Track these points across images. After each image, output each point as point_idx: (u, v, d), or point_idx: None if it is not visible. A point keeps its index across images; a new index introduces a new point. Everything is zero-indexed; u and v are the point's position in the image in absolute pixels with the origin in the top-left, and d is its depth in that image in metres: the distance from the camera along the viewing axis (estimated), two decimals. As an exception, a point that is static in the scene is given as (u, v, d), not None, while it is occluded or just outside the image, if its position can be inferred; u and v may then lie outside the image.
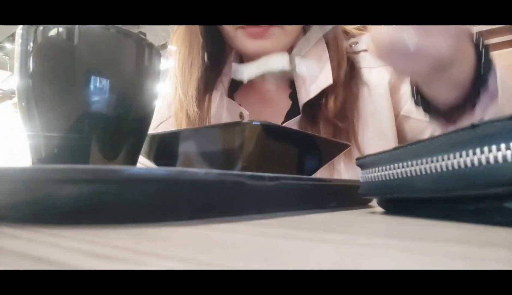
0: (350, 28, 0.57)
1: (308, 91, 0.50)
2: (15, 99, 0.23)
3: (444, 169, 0.17)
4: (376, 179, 0.22)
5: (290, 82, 0.56)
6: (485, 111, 0.33)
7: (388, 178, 0.21)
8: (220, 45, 0.57)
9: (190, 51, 0.54)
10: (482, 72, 0.34)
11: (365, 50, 0.53)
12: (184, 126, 0.54)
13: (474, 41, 0.35)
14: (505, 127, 0.14)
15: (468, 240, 0.13)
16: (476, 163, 0.15)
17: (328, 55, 0.51)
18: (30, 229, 0.14)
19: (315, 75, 0.51)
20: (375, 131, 0.50)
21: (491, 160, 0.15)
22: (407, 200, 0.22)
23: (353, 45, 0.54)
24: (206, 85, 0.55)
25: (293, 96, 0.54)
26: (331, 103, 0.49)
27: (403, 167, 0.20)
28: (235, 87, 0.59)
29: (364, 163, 0.24)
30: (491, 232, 0.14)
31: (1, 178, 0.15)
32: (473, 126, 0.15)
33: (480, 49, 0.34)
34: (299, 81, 0.52)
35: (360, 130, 0.50)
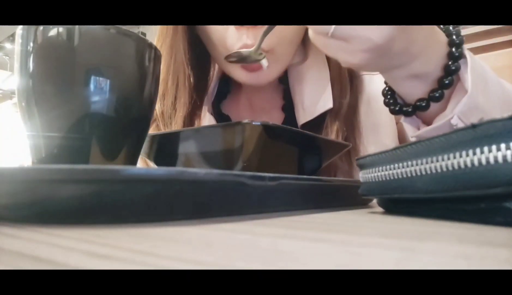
0: None
1: (305, 112, 0.48)
2: (15, 99, 0.23)
3: (444, 169, 0.17)
4: (376, 179, 0.22)
5: (282, 93, 0.53)
6: (458, 106, 0.32)
7: (388, 178, 0.21)
8: (205, 61, 0.52)
9: (173, 82, 0.48)
10: (450, 63, 0.32)
11: None
12: None
13: (447, 33, 0.34)
14: (505, 127, 0.14)
15: (468, 240, 0.13)
16: (476, 163, 0.15)
17: (328, 73, 0.49)
18: (30, 229, 0.14)
19: (314, 93, 0.48)
20: (378, 145, 0.48)
21: (491, 160, 0.15)
22: (407, 200, 0.22)
23: None
24: (193, 116, 0.51)
25: (286, 109, 0.52)
26: (333, 128, 0.46)
27: (403, 167, 0.20)
28: (222, 97, 0.55)
29: (364, 163, 0.24)
30: (491, 232, 0.14)
31: (1, 178, 0.15)
32: (473, 126, 0.15)
33: (454, 42, 0.33)
34: (296, 97, 0.49)
35: (362, 146, 0.48)
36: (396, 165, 0.20)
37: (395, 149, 0.21)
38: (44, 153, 0.23)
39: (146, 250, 0.11)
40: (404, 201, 0.22)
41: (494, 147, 0.14)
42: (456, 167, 0.16)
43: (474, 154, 0.15)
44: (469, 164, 0.15)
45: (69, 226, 0.14)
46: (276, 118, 0.53)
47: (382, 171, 0.21)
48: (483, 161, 0.15)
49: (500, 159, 0.14)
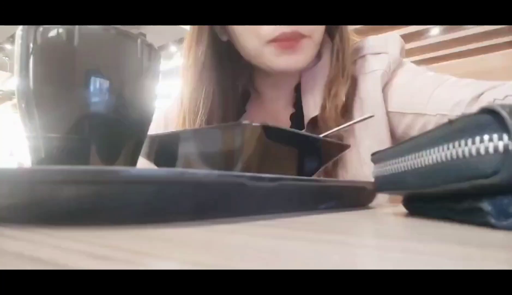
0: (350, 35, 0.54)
1: (313, 109, 0.49)
2: (15, 100, 0.23)
3: (427, 163, 0.17)
4: (383, 173, 0.23)
5: (294, 100, 0.53)
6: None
7: (389, 173, 0.22)
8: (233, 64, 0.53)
9: (198, 87, 0.50)
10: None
11: (363, 56, 0.51)
12: None
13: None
14: (472, 123, 0.15)
15: (468, 241, 0.13)
16: (449, 157, 0.16)
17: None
18: (30, 230, 0.14)
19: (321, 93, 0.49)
20: (372, 140, 0.48)
21: (460, 154, 0.15)
22: (412, 198, 0.23)
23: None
24: (215, 113, 0.52)
25: (293, 117, 0.53)
26: (330, 123, 0.47)
27: (398, 162, 0.21)
28: (245, 98, 0.57)
29: (374, 158, 0.25)
30: (491, 233, 0.14)
31: (1, 179, 0.15)
32: (450, 122, 0.16)
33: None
34: (307, 97, 0.50)
35: (355, 140, 0.48)
36: (394, 160, 0.21)
37: (398, 144, 0.21)
38: (43, 154, 0.23)
39: (146, 251, 0.11)
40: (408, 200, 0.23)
41: (462, 142, 0.15)
42: (435, 160, 0.17)
43: (448, 148, 0.16)
44: (444, 158, 0.16)
45: (69, 227, 0.14)
46: (284, 124, 0.53)
47: (386, 165, 0.22)
48: (458, 154, 0.15)
49: (467, 153, 0.15)
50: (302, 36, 0.44)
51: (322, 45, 0.51)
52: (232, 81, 0.54)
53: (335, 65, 0.49)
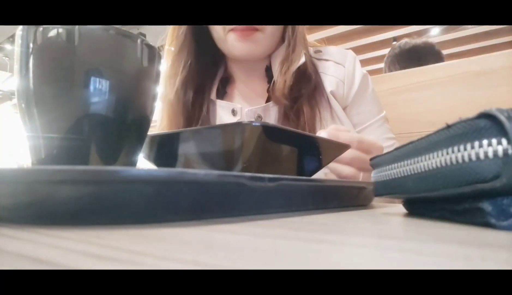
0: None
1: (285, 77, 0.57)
2: (15, 100, 0.23)
3: (427, 168, 0.17)
4: (380, 179, 0.23)
5: (267, 80, 0.61)
6: None
7: (388, 178, 0.21)
8: (210, 49, 0.61)
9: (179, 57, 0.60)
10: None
11: (326, 60, 0.62)
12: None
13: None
14: (470, 127, 0.15)
15: (468, 241, 0.13)
16: (448, 162, 0.16)
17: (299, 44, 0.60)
18: (30, 230, 0.14)
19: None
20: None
21: (460, 159, 0.15)
22: (412, 199, 0.23)
23: (316, 53, 0.64)
24: (194, 87, 0.61)
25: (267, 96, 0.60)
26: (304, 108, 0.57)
27: (398, 167, 0.20)
28: (227, 81, 0.65)
29: (373, 163, 0.25)
30: (491, 234, 0.14)
31: (1, 179, 0.15)
32: (448, 126, 0.16)
33: None
34: (275, 74, 0.58)
35: (322, 126, 0.57)
36: (393, 165, 0.21)
37: (396, 149, 0.21)
38: (43, 153, 0.23)
39: (146, 251, 0.11)
40: (413, 201, 0.23)
41: (462, 147, 0.15)
42: (435, 166, 0.17)
43: (447, 153, 0.16)
44: (443, 163, 0.16)
45: (69, 227, 0.14)
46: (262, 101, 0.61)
47: (385, 170, 0.22)
48: (457, 160, 0.15)
49: (466, 158, 0.15)
50: (255, 29, 0.55)
51: (284, 30, 0.60)
52: (208, 63, 0.64)
53: (286, 47, 0.58)
